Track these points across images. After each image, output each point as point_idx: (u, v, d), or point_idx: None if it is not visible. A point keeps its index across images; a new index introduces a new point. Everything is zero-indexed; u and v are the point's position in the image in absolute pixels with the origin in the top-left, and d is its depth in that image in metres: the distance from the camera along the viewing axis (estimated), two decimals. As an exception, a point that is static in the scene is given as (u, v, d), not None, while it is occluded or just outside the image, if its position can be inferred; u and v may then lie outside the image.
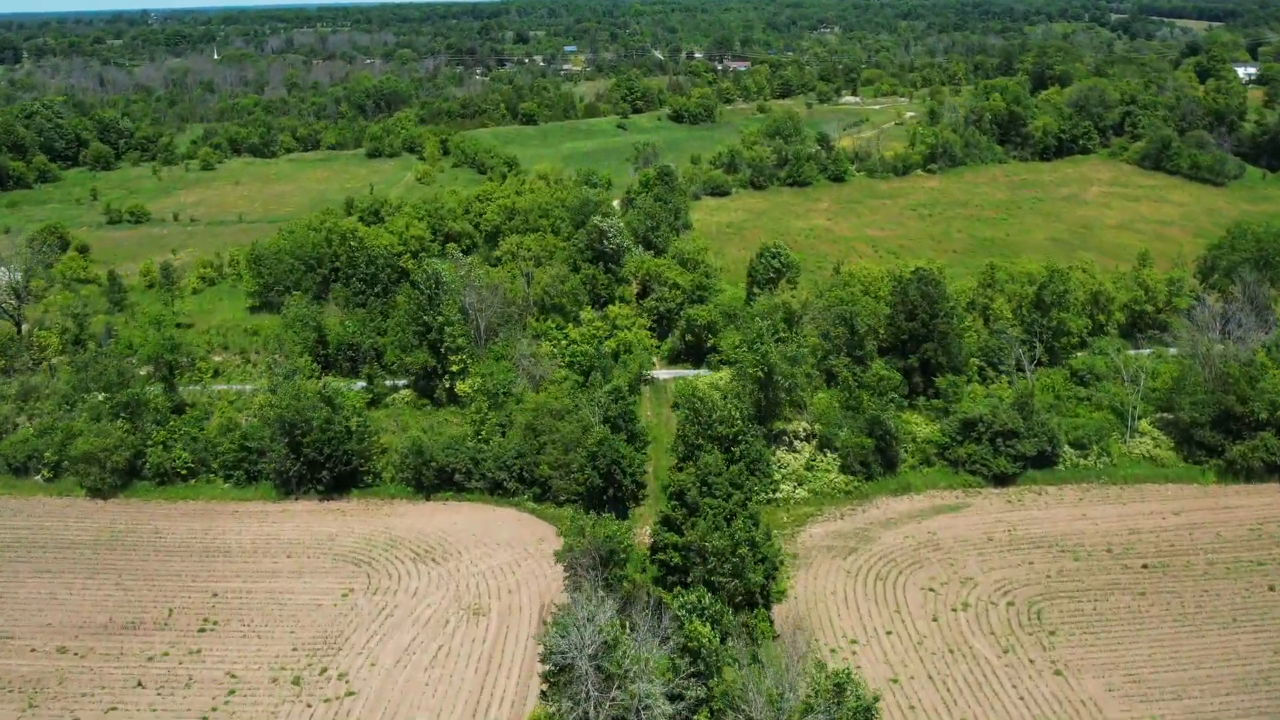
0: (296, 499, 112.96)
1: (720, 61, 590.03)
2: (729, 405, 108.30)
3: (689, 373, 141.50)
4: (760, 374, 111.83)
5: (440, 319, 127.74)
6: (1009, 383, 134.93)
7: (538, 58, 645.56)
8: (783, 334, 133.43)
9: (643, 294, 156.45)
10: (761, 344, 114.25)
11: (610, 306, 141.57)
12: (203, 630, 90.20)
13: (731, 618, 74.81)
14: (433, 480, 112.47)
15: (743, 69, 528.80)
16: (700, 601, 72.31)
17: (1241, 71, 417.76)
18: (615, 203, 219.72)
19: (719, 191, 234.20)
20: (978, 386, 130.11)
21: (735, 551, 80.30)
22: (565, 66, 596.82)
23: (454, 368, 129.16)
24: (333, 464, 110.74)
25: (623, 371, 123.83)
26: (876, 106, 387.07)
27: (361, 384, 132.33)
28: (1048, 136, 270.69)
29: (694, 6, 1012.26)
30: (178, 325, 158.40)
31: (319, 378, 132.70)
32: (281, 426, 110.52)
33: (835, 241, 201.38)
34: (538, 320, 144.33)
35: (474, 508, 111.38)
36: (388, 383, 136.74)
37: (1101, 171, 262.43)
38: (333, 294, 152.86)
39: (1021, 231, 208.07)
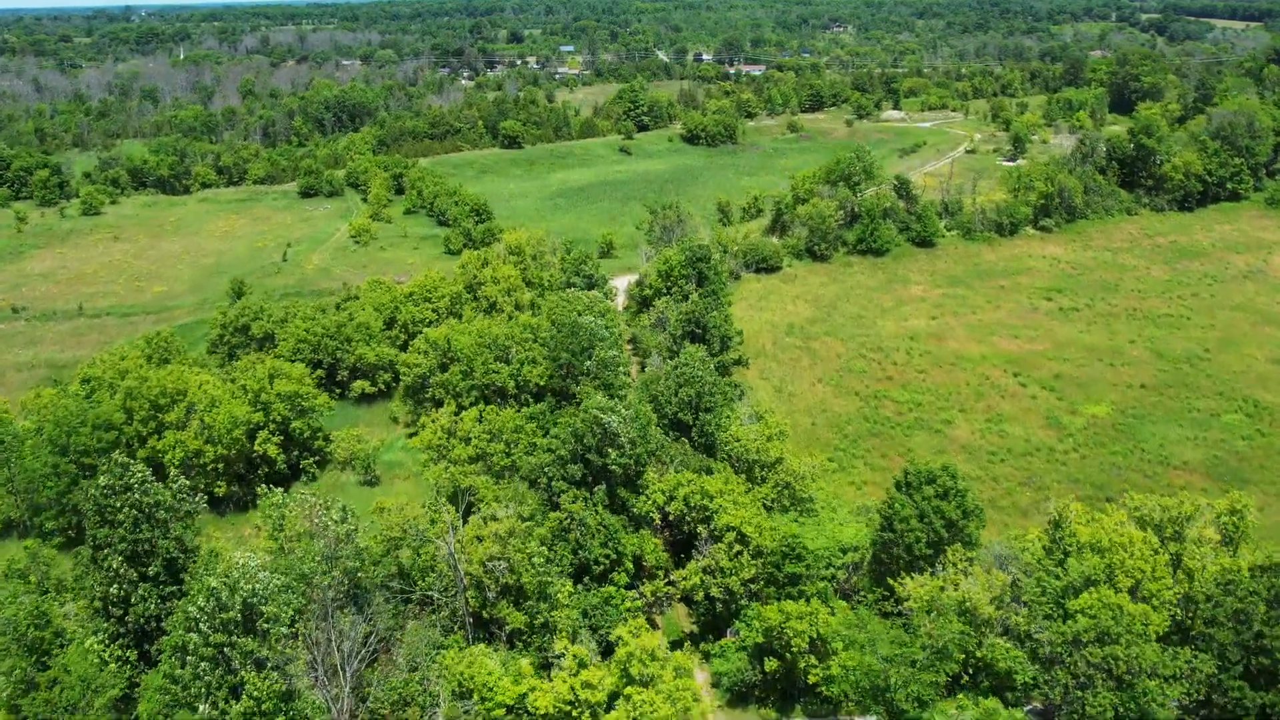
0: None
1: (731, 64, 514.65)
2: None
3: (771, 734, 68.83)
4: None
5: (255, 683, 54.65)
6: None
7: (531, 59, 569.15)
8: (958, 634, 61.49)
9: (675, 533, 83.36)
10: None
11: (618, 626, 68.41)
12: None
13: None
14: None
15: (757, 73, 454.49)
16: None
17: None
18: (619, 290, 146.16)
19: (765, 265, 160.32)
20: None
21: None
22: (561, 69, 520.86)
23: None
24: None
25: None
26: (926, 124, 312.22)
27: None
28: (1190, 179, 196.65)
29: (698, 4, 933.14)
30: None
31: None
32: None
33: (956, 363, 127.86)
34: (480, 621, 71.40)
35: None
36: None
37: (1268, 228, 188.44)
38: (75, 565, 78.81)
39: (1222, 342, 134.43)
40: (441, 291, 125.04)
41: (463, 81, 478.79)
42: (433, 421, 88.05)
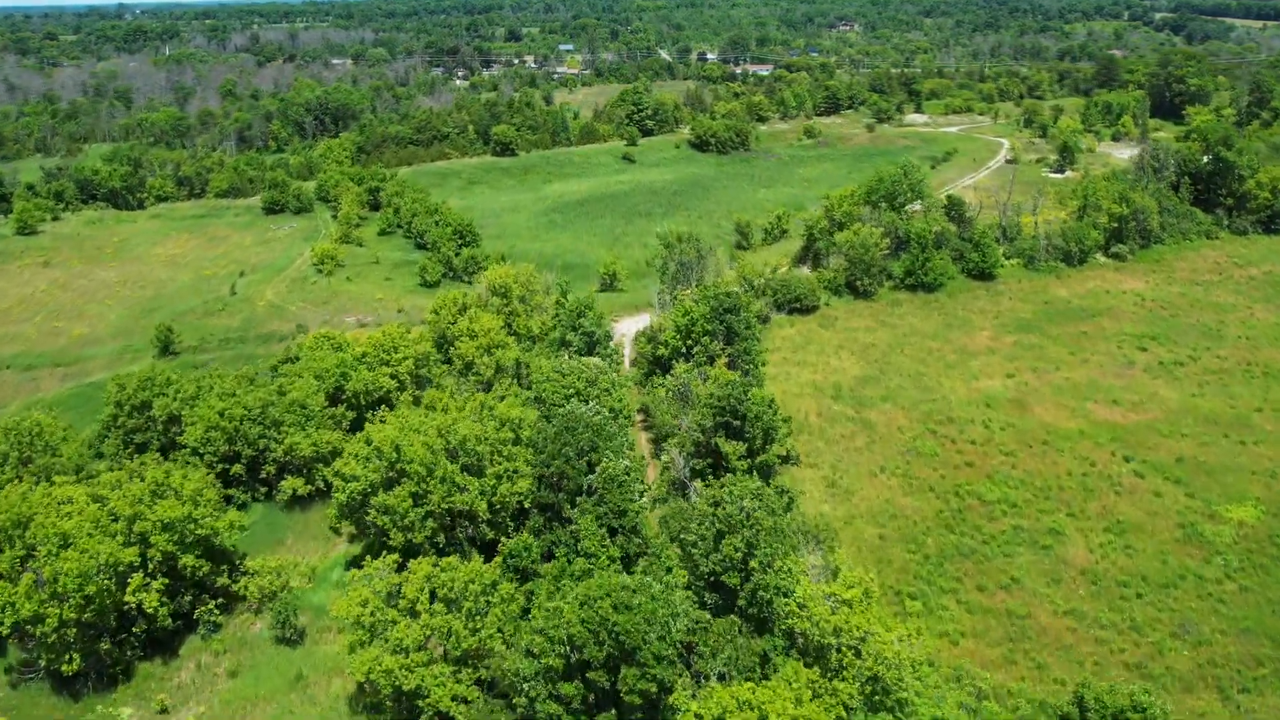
0: None
1: (737, 64, 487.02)
2: None
3: None
4: None
5: None
6: None
7: (529, 58, 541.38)
8: None
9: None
10: None
11: None
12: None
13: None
14: None
15: (764, 72, 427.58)
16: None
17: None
18: (625, 340, 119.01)
19: (799, 305, 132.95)
20: None
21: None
22: (560, 69, 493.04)
23: None
24: None
25: None
26: (954, 129, 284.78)
27: None
28: (1276, 197, 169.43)
29: (700, 2, 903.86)
30: None
31: None
32: None
33: (1049, 441, 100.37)
34: None
35: None
36: None
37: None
38: None
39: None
40: (404, 352, 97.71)
41: (457, 82, 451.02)
42: (366, 582, 60.58)
